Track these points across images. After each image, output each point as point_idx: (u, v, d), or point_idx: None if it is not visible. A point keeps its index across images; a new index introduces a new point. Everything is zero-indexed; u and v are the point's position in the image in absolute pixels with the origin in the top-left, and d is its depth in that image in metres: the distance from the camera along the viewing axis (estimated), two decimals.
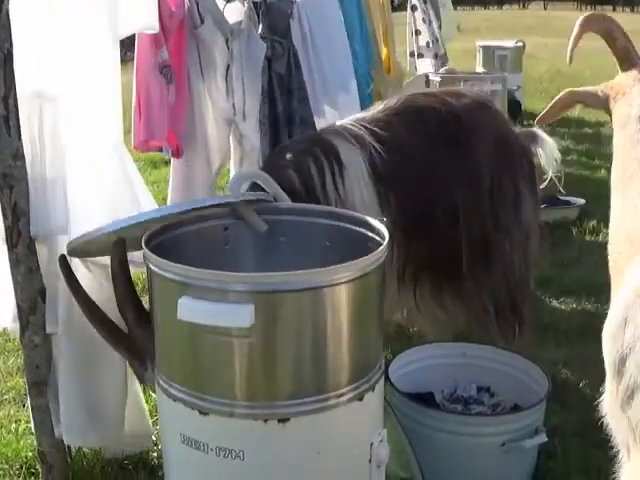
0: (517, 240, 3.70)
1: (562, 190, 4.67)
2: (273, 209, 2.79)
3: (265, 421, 2.20)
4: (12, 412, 3.81)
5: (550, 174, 4.10)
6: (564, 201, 6.56)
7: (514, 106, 9.35)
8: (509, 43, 11.39)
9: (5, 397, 3.99)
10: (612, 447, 2.27)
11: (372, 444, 2.42)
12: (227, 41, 4.30)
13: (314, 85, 4.97)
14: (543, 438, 3.02)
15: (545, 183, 4.06)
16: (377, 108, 3.63)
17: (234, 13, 4.44)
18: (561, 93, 2.38)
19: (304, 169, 3.23)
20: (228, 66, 4.31)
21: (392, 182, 3.34)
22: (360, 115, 3.60)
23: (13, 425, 3.65)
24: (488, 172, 3.56)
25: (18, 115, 2.77)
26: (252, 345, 2.14)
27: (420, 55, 8.64)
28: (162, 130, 3.94)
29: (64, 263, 2.74)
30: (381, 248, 2.31)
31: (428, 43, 8.75)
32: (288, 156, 3.31)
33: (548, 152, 4.07)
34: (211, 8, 4.24)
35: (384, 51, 6.87)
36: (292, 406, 2.21)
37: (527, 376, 3.29)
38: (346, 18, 5.47)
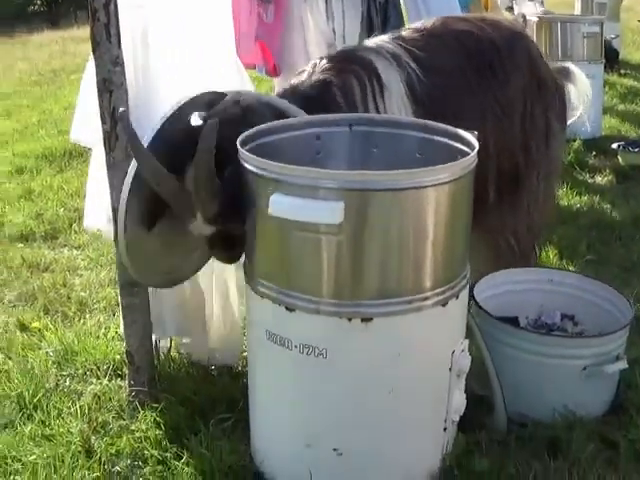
0: (544, 174, 3.67)
1: (589, 127, 4.65)
2: (366, 120, 2.81)
3: (349, 320, 2.25)
4: (102, 320, 3.93)
5: (581, 110, 4.03)
6: None
7: (611, 54, 9.18)
8: None
9: (96, 306, 4.11)
10: None
11: (453, 352, 2.46)
12: None
13: (420, 15, 4.92)
14: (624, 364, 3.00)
15: (574, 118, 3.99)
16: (413, 28, 3.54)
17: None
18: None
19: (347, 88, 3.13)
20: None
21: (429, 104, 3.25)
22: (395, 34, 3.49)
23: (102, 331, 3.76)
24: (521, 103, 3.51)
25: (118, 23, 2.83)
26: (340, 243, 2.19)
27: None
28: (249, 46, 3.98)
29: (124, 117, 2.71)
30: (471, 155, 2.33)
31: None
32: (330, 74, 3.16)
33: (580, 88, 4.00)
34: None
35: None
36: (376, 306, 2.26)
37: (612, 306, 3.26)
38: None
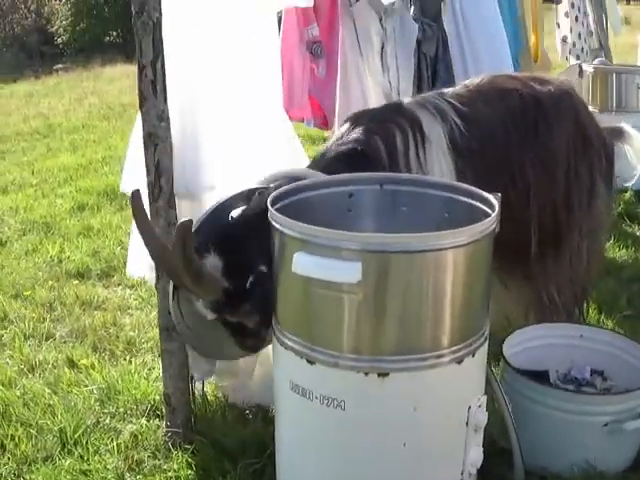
0: (587, 231, 3.72)
1: None
2: (395, 179, 2.91)
3: (366, 374, 2.35)
4: (147, 360, 4.08)
5: (639, 169, 4.07)
6: None
7: None
8: None
9: (143, 346, 4.26)
10: None
11: (470, 408, 2.53)
12: (381, 20, 4.45)
13: (467, 69, 5.03)
14: None
15: (635, 179, 4.02)
16: (460, 85, 3.67)
17: None
18: None
19: (389, 137, 3.26)
20: (383, 44, 4.45)
21: (470, 157, 3.36)
22: (443, 90, 3.63)
23: (146, 371, 3.90)
24: (565, 160, 3.57)
25: (165, 80, 2.99)
26: (360, 301, 2.29)
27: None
28: (302, 102, 4.13)
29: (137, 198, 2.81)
30: (489, 219, 2.42)
31: (564, 38, 8.53)
32: (373, 124, 3.32)
33: (636, 147, 4.05)
34: None
35: (532, 39, 6.86)
36: (392, 362, 2.35)
37: None
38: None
